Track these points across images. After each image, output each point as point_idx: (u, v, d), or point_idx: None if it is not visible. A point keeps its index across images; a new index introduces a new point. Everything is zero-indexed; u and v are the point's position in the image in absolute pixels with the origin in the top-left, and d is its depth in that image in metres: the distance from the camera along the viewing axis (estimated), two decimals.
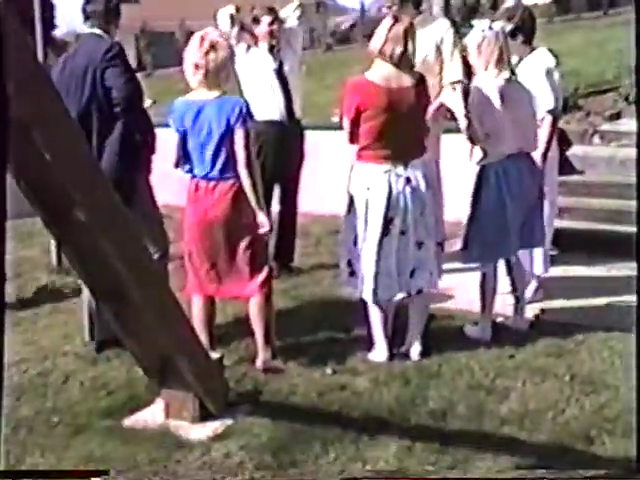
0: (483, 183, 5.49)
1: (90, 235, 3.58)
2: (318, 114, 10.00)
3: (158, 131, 5.52)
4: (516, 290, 5.80)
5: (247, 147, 4.95)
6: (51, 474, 3.19)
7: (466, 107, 5.43)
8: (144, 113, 5.49)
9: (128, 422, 4.58)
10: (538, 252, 6.24)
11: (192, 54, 4.98)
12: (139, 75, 5.79)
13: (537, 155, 5.92)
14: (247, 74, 6.82)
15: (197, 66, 4.96)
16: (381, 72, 5.12)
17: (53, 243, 7.71)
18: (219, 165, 4.98)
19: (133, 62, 5.53)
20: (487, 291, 5.67)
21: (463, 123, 5.35)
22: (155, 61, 25.06)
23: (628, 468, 3.68)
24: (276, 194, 7.12)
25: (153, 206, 5.56)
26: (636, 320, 3.80)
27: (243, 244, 5.07)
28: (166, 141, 5.30)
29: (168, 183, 5.78)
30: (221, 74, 5.02)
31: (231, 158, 4.95)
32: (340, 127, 5.36)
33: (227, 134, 4.93)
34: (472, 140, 5.41)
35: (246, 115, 4.96)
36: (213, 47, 4.94)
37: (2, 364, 2.82)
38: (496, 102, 5.34)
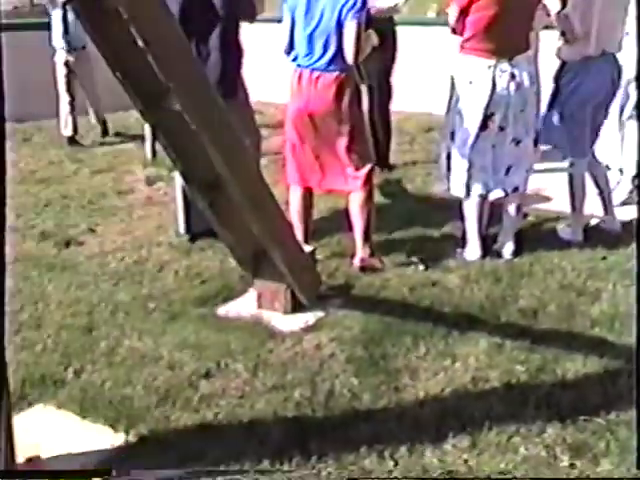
0: (566, 81, 5.37)
1: (185, 123, 3.58)
2: (413, 10, 9.81)
3: (255, 27, 5.49)
4: (602, 191, 5.69)
5: (358, 39, 4.85)
6: (52, 474, 3.28)
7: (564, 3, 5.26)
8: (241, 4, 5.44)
9: (221, 311, 4.67)
10: (629, 151, 6.11)
11: None
12: None
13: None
14: None
15: None
16: None
17: (148, 136, 7.82)
18: (327, 56, 4.88)
19: None
20: (576, 192, 5.58)
21: (558, 19, 5.20)
22: None
23: None
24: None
25: (245, 101, 5.56)
26: (636, 231, 3.67)
27: (346, 139, 5.03)
28: (261, 38, 5.25)
29: (261, 79, 5.76)
30: None
31: (339, 50, 4.86)
32: (436, 23, 5.24)
33: (338, 25, 4.82)
34: (565, 37, 5.27)
35: (361, 7, 4.84)
36: None
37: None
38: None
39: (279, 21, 5.14)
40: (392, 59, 7.12)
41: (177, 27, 3.59)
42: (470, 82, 5.05)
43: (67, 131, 9.10)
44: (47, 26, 9.07)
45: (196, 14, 5.17)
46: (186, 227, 5.78)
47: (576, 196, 5.59)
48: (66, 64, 9.02)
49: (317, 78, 4.95)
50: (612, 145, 6.16)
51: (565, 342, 4.22)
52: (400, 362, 4.03)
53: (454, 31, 5.06)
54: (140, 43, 3.28)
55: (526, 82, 5.07)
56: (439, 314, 4.53)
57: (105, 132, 9.52)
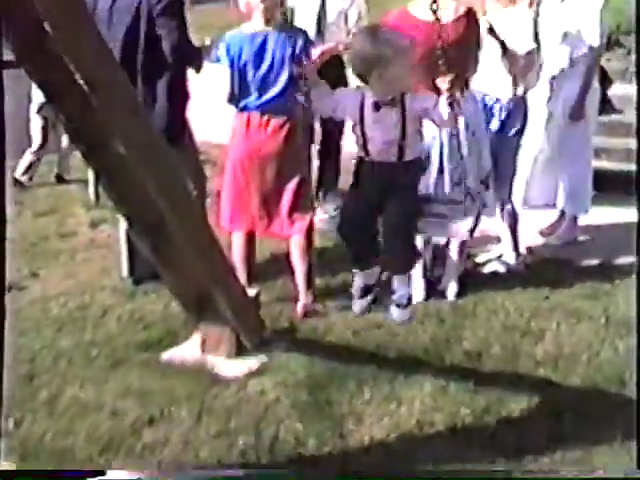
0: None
1: (129, 167, 3.57)
2: None
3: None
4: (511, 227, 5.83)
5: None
6: (49, 475, 3.23)
7: None
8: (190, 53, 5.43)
9: (165, 356, 4.62)
10: (562, 188, 6.19)
11: None
12: None
13: (573, 94, 5.87)
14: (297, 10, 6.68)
15: None
16: (425, 4, 4.98)
17: (91, 179, 7.73)
18: (280, 98, 4.87)
19: None
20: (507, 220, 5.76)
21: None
22: None
23: None
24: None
25: (191, 145, 5.54)
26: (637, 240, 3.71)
27: (293, 183, 5.03)
28: (205, 78, 5.25)
29: (206, 121, 5.74)
30: (279, 6, 4.91)
31: (291, 91, 4.85)
32: None
33: (290, 65, 4.78)
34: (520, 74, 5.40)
35: (310, 45, 4.86)
36: None
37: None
38: None
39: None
40: None
41: (121, 71, 3.58)
42: None
43: (19, 174, 8.86)
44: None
45: (142, 58, 5.13)
46: (130, 270, 5.72)
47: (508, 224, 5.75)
48: (44, 117, 8.76)
49: (267, 121, 4.94)
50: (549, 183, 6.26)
51: (509, 383, 4.25)
52: (345, 407, 4.02)
53: None
54: (84, 87, 3.27)
55: (461, 134, 5.04)
56: (384, 357, 4.54)
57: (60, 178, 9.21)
